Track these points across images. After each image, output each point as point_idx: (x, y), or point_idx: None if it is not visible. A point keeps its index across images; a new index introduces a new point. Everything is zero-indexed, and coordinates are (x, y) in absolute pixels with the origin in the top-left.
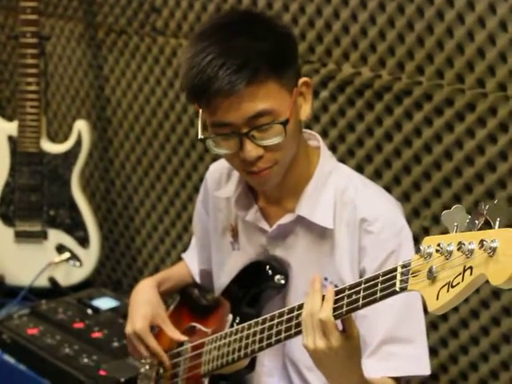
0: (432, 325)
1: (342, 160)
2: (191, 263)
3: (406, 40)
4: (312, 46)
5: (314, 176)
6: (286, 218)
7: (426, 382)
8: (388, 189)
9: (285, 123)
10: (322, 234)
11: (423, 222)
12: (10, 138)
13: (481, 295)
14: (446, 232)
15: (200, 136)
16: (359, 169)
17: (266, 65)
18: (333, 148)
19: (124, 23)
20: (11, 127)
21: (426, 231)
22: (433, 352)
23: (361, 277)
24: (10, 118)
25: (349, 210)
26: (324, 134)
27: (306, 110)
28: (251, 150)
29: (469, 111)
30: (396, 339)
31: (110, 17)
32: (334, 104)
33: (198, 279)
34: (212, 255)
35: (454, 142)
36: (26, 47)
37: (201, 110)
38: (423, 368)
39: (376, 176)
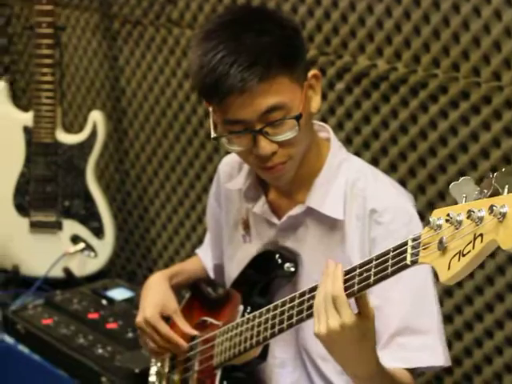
0: (447, 318)
1: (357, 152)
2: (205, 258)
3: (421, 32)
4: (328, 38)
5: (324, 167)
6: (296, 210)
7: (441, 375)
8: (403, 181)
9: (298, 118)
10: (332, 225)
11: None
12: (26, 129)
13: (496, 288)
14: None
15: (213, 135)
16: (374, 161)
17: (276, 60)
18: (348, 140)
19: (139, 14)
20: (27, 118)
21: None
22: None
23: None
24: (25, 109)
25: (359, 201)
26: (339, 127)
27: (316, 102)
28: (265, 147)
29: (484, 104)
30: (410, 330)
31: (126, 7)
32: (350, 96)
33: (211, 274)
34: (224, 248)
35: (469, 134)
36: (41, 37)
37: (211, 109)
38: (438, 359)
39: (391, 168)
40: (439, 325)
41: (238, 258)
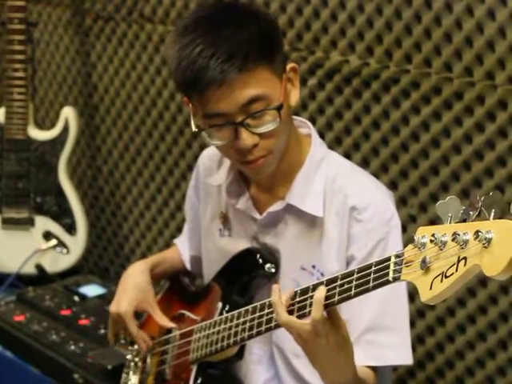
0: (419, 313)
1: (329, 148)
2: (183, 249)
3: (393, 28)
4: (300, 34)
5: (305, 164)
6: (276, 206)
7: (413, 370)
8: (375, 177)
9: (279, 108)
10: (311, 222)
11: (410, 210)
12: None
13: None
14: (433, 220)
15: (194, 129)
16: (347, 157)
17: (255, 52)
18: (320, 136)
19: (111, 10)
20: None
21: (414, 219)
22: (420, 340)
23: (348, 264)
24: None
25: (339, 198)
26: (312, 122)
27: (295, 96)
28: (246, 138)
29: (456, 100)
30: (379, 328)
31: (98, 3)
32: (322, 92)
33: (188, 266)
34: (201, 241)
35: (441, 130)
36: (13, 33)
37: (191, 105)
38: (405, 358)
39: (363, 164)
40: (408, 323)
41: (216, 252)
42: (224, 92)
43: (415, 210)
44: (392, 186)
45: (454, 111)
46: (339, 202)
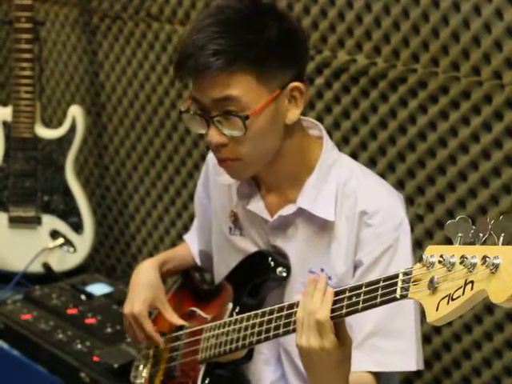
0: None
1: (336, 147)
2: (192, 244)
3: (401, 27)
4: (307, 33)
5: (317, 167)
6: (288, 210)
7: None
8: (382, 176)
9: (244, 118)
10: (322, 225)
11: (417, 209)
12: (4, 124)
13: None
14: (440, 220)
15: (181, 108)
16: (354, 156)
17: (248, 57)
18: (328, 135)
19: (119, 9)
20: (5, 112)
21: (421, 219)
22: (427, 340)
23: (355, 268)
24: (4, 104)
25: (350, 202)
26: (319, 121)
27: (292, 114)
28: (213, 135)
29: (464, 99)
30: (384, 332)
31: (105, 2)
32: (329, 91)
33: (198, 261)
34: (212, 239)
35: (448, 129)
36: (20, 32)
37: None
38: (410, 364)
39: (370, 163)
40: (415, 328)
41: (227, 251)
42: (201, 84)
43: (422, 210)
44: (399, 185)
45: (461, 110)
46: (350, 205)
